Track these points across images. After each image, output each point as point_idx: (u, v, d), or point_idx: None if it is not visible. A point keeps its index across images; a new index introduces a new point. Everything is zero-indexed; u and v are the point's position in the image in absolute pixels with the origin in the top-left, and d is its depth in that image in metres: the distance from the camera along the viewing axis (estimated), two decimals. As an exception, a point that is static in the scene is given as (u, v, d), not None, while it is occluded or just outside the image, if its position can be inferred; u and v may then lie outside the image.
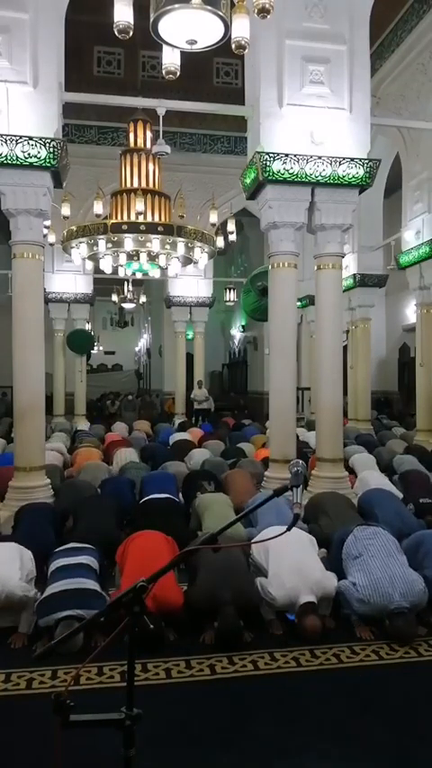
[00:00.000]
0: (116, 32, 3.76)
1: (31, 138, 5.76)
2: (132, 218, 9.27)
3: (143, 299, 19.67)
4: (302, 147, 6.28)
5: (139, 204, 8.80)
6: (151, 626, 1.68)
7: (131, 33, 3.76)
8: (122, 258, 10.04)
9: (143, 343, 26.91)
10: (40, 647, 3.33)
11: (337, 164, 6.29)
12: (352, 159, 6.33)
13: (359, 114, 6.47)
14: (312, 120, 6.33)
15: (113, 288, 17.10)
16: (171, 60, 4.31)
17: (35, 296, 6.26)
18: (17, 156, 5.76)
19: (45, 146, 5.79)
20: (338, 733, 2.72)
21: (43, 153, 5.80)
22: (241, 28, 3.77)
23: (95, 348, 21.57)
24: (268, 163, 6.20)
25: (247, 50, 3.89)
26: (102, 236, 9.26)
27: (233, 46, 3.80)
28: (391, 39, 10.30)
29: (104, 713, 1.54)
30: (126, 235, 9.22)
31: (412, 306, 12.22)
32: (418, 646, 3.50)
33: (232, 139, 13.06)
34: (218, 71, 13.49)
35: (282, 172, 6.22)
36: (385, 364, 16.86)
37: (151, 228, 9.25)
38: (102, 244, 9.43)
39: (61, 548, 4.09)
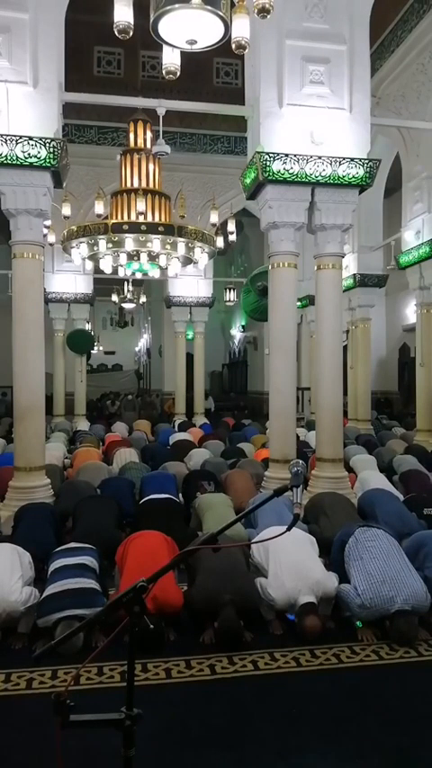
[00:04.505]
0: (116, 32, 3.76)
1: (31, 138, 5.76)
2: (133, 218, 9.28)
3: (143, 299, 19.67)
4: (302, 147, 6.28)
5: (140, 204, 8.80)
6: (151, 626, 1.68)
7: (131, 33, 3.75)
8: (123, 258, 10.04)
9: (143, 343, 26.91)
10: (40, 647, 3.33)
11: (337, 164, 6.29)
12: (352, 159, 6.33)
13: (359, 114, 6.47)
14: (312, 120, 6.33)
15: (113, 288, 17.10)
16: (171, 60, 4.31)
17: (35, 296, 6.26)
18: (17, 156, 5.76)
19: (45, 146, 5.79)
20: (338, 733, 2.71)
21: (43, 153, 5.80)
22: (241, 28, 3.77)
23: (95, 348, 21.57)
24: (268, 163, 6.20)
25: (247, 50, 3.89)
26: (102, 236, 9.26)
27: (233, 46, 3.80)
28: (391, 39, 10.30)
29: (104, 713, 1.54)
30: (127, 235, 9.23)
31: (412, 306, 12.23)
32: (418, 645, 3.50)
33: (232, 139, 13.05)
34: (218, 71, 13.49)
35: (282, 172, 6.22)
36: (385, 364, 16.87)
37: (152, 228, 9.25)
38: (102, 244, 9.42)
39: (61, 548, 4.09)
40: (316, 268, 6.76)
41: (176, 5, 3.29)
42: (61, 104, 6.24)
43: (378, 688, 3.12)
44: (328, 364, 6.66)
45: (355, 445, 9.12)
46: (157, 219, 9.49)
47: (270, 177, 6.23)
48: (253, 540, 4.22)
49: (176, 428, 12.36)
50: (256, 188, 6.60)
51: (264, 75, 6.33)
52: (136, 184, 9.65)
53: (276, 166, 6.21)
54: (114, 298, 17.55)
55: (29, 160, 5.79)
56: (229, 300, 16.04)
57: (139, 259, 10.17)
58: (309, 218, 6.57)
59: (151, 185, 9.77)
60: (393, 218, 12.47)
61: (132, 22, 3.73)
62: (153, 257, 10.15)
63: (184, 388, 14.50)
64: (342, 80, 6.41)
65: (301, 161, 6.23)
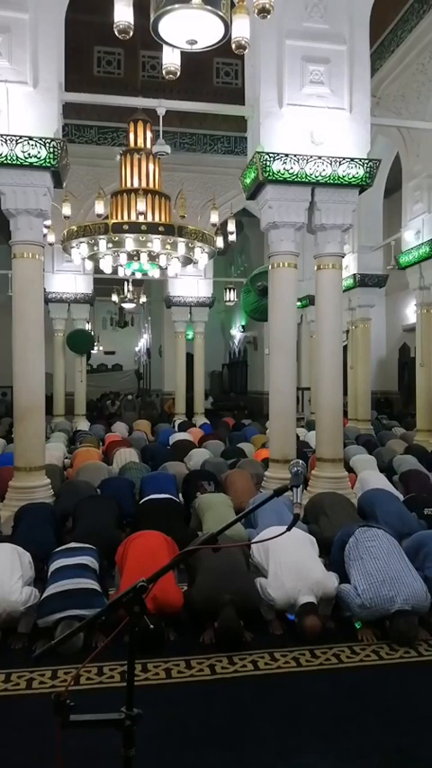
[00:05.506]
0: (116, 32, 3.76)
1: (31, 138, 5.76)
2: (133, 218, 9.28)
3: (143, 299, 19.67)
4: (302, 147, 6.28)
5: (140, 204, 8.80)
6: (151, 626, 1.68)
7: (131, 33, 3.75)
8: (123, 258, 10.04)
9: (143, 343, 26.91)
10: (40, 647, 3.33)
11: (337, 164, 6.29)
12: (352, 159, 6.33)
13: (359, 114, 6.47)
14: (312, 120, 6.33)
15: (113, 288, 17.10)
16: (171, 60, 4.31)
17: (35, 296, 6.25)
18: (17, 156, 5.76)
19: (45, 146, 5.79)
20: (338, 733, 2.71)
21: (43, 153, 5.80)
22: (241, 28, 3.77)
23: (95, 348, 21.57)
24: (268, 163, 6.20)
25: (247, 50, 3.89)
26: (102, 236, 9.26)
27: (233, 46, 3.80)
28: (391, 39, 10.30)
29: (104, 713, 1.54)
30: (127, 235, 9.23)
31: (412, 306, 12.23)
32: (418, 645, 3.49)
33: (232, 139, 13.05)
34: (218, 71, 13.49)
35: (282, 172, 6.22)
36: (385, 364, 16.87)
37: (152, 228, 9.25)
38: (102, 244, 9.42)
39: (61, 548, 4.08)
40: (316, 268, 6.76)
41: (176, 5, 3.30)
42: (61, 104, 6.24)
43: (378, 688, 3.12)
44: (328, 364, 6.66)
45: (355, 445, 9.12)
46: (157, 219, 9.48)
47: (270, 177, 6.23)
48: (253, 540, 4.22)
49: (176, 428, 12.36)
50: (256, 188, 6.59)
51: (264, 75, 6.33)
52: (136, 184, 9.64)
53: (276, 166, 6.21)
54: (114, 298, 17.55)
55: (29, 160, 5.79)
56: (229, 300, 16.04)
57: (139, 259, 10.16)
58: (309, 218, 6.57)
59: (151, 185, 9.76)
60: (393, 218, 12.47)
61: (132, 22, 3.73)
62: (153, 257, 10.14)
63: (184, 388, 14.50)
64: (342, 80, 6.41)
65: (301, 161, 6.23)
